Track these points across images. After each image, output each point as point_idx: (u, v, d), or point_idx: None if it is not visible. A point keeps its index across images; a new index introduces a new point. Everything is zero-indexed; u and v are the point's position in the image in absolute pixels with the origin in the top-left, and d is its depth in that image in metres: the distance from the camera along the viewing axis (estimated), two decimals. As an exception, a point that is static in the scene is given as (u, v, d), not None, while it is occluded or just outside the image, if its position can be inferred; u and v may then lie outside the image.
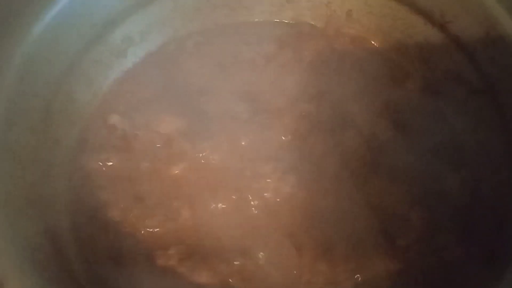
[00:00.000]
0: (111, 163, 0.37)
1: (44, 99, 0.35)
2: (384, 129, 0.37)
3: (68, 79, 0.37)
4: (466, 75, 0.38)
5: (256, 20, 0.45)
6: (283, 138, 0.38)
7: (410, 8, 0.41)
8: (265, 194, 0.36)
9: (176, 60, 0.43)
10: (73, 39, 0.37)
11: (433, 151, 0.37)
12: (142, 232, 0.35)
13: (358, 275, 0.32)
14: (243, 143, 0.38)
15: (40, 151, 0.35)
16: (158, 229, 0.35)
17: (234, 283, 0.32)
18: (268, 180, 0.36)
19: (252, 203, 0.36)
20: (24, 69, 0.34)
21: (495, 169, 0.35)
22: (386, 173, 0.36)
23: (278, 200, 0.36)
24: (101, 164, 0.37)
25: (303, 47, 0.43)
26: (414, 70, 0.42)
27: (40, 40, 0.34)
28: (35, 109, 0.35)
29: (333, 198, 0.35)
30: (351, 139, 0.37)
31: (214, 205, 0.36)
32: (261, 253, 0.34)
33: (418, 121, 0.39)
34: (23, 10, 0.34)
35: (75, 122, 0.38)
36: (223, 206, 0.36)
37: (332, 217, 0.35)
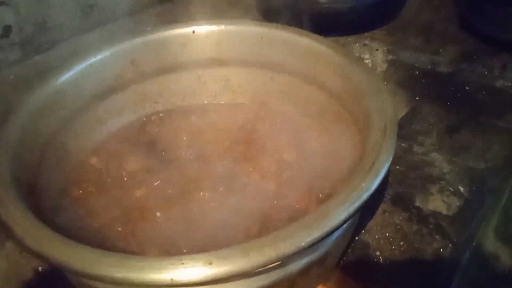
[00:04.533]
0: (89, 190, 0.50)
1: (40, 147, 0.49)
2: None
3: (61, 133, 0.52)
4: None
5: (204, 102, 0.63)
6: (217, 168, 0.52)
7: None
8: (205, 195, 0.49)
9: (143, 128, 0.59)
10: (68, 105, 0.53)
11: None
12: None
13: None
14: (188, 174, 0.52)
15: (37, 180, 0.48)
16: (121, 229, 0.46)
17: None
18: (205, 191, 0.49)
19: (195, 203, 0.48)
20: (27, 123, 0.48)
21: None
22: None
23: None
24: (81, 191, 0.50)
25: (237, 114, 0.60)
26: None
27: (42, 102, 0.50)
28: (33, 154, 0.49)
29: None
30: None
31: (167, 208, 0.48)
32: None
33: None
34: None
35: (65, 164, 0.52)
36: (174, 209, 0.48)
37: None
